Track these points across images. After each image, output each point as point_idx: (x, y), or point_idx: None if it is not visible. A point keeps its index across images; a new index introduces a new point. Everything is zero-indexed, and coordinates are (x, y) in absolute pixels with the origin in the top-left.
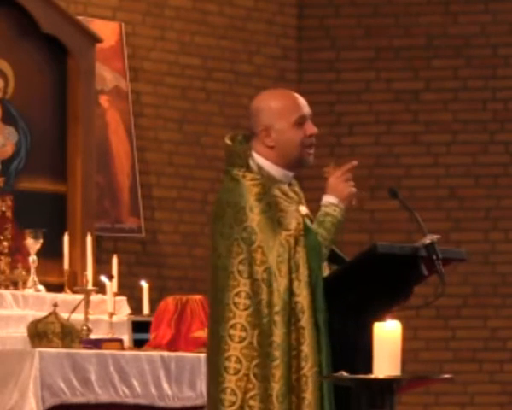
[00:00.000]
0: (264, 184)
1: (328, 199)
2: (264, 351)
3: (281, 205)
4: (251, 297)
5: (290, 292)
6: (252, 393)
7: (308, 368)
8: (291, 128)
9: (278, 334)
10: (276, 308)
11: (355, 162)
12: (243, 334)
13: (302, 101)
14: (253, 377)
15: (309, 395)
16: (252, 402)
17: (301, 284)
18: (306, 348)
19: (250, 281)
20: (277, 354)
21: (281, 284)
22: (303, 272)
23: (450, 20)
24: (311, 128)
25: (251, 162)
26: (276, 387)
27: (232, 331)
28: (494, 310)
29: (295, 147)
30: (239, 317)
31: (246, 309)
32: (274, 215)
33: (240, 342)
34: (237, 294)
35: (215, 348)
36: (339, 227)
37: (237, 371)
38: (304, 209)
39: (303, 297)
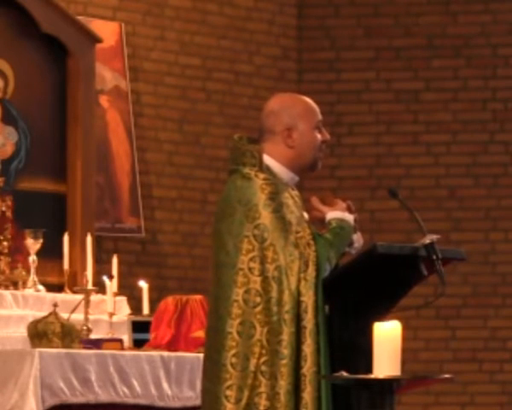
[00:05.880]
0: (276, 185)
1: (344, 217)
2: (272, 349)
3: (291, 207)
4: (261, 295)
5: (298, 291)
6: (258, 390)
7: (307, 368)
8: (312, 131)
9: (287, 332)
10: (287, 307)
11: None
12: (252, 331)
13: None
14: (260, 375)
15: (306, 395)
16: (257, 399)
17: (308, 283)
18: (306, 348)
19: (261, 279)
20: (286, 352)
21: (292, 282)
22: (311, 273)
23: (450, 20)
24: (325, 135)
25: (264, 163)
26: (283, 385)
27: (241, 328)
28: (494, 310)
29: (314, 150)
30: (248, 314)
31: (255, 307)
32: (285, 215)
33: (248, 339)
34: (247, 291)
35: (218, 345)
36: (348, 242)
37: (245, 368)
38: (306, 215)
39: (308, 297)
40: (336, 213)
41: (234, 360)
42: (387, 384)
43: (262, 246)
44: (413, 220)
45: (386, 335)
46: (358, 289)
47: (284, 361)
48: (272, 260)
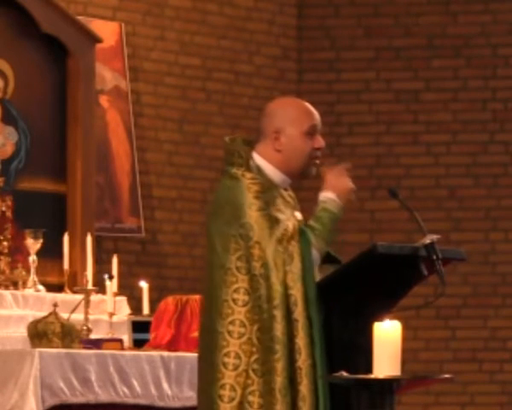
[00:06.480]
0: (263, 184)
1: (326, 194)
2: (264, 346)
3: (278, 206)
4: (249, 293)
5: (285, 285)
6: (251, 388)
7: (302, 361)
8: (301, 136)
9: (278, 328)
10: (275, 302)
11: (348, 165)
12: (242, 330)
13: (316, 113)
14: (252, 373)
15: (303, 388)
16: (251, 398)
17: (294, 276)
18: (300, 341)
19: (248, 277)
20: (278, 347)
21: (278, 277)
22: (296, 265)
23: (450, 20)
24: (318, 142)
25: (250, 162)
26: (279, 380)
27: (231, 328)
28: (494, 310)
29: (302, 156)
30: (238, 313)
31: (244, 305)
32: (271, 213)
33: (239, 338)
34: (236, 290)
35: (211, 345)
36: (336, 222)
37: (236, 367)
38: (299, 215)
39: (296, 290)
40: (321, 196)
41: (225, 359)
42: (387, 384)
43: (248, 244)
44: (413, 220)
45: (386, 335)
46: (358, 289)
47: (277, 356)
48: (258, 258)
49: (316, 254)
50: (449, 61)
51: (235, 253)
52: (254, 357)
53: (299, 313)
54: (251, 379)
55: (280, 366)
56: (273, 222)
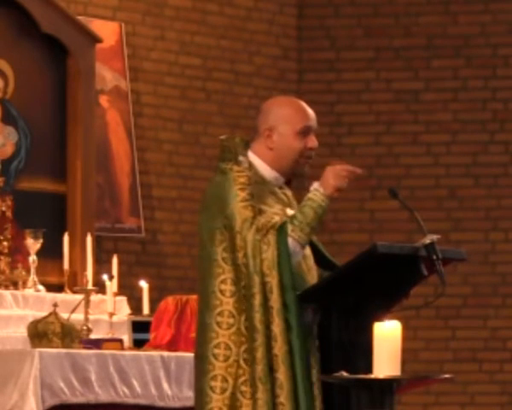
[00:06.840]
0: (250, 177)
1: (314, 185)
2: (250, 335)
3: (267, 200)
4: (235, 284)
5: (262, 273)
6: (243, 378)
7: (278, 348)
8: (294, 135)
9: (256, 316)
10: (252, 290)
11: (359, 170)
12: (231, 320)
13: (312, 113)
14: (243, 363)
15: (280, 375)
16: (244, 388)
17: (270, 263)
18: (275, 328)
19: (233, 267)
20: (256, 335)
21: (256, 265)
22: (272, 252)
23: (450, 20)
24: (312, 141)
25: (242, 158)
26: (259, 368)
27: (219, 319)
28: (494, 310)
29: (293, 155)
30: (226, 304)
31: (232, 296)
32: (256, 204)
33: (228, 328)
34: (223, 281)
35: (201, 338)
36: (319, 212)
37: (227, 358)
38: (291, 212)
39: (272, 277)
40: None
41: (216, 350)
42: (387, 384)
43: (231, 235)
44: (413, 220)
45: (386, 335)
46: (358, 290)
47: (256, 345)
48: (240, 248)
49: (293, 243)
50: (449, 61)
51: (221, 244)
52: (244, 347)
53: (274, 299)
54: (242, 369)
55: (259, 354)
56: (256, 213)
